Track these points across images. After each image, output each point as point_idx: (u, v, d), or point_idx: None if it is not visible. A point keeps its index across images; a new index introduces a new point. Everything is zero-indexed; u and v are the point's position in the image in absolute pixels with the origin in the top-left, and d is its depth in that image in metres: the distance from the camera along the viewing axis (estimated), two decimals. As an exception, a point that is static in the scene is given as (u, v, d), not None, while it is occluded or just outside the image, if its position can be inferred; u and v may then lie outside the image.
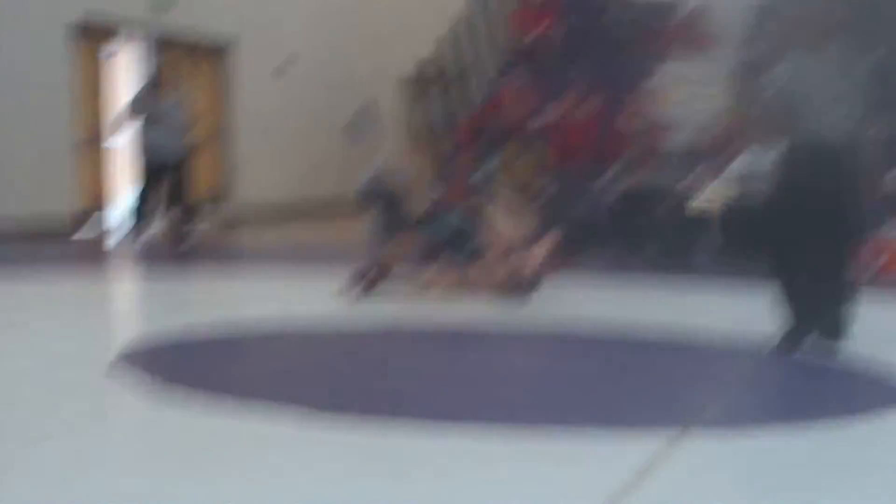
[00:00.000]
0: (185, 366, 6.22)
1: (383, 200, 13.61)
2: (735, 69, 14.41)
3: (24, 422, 4.86)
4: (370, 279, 8.66)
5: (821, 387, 6.03)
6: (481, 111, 14.78)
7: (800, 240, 6.73)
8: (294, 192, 16.94)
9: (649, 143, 13.10)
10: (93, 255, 12.43)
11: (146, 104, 12.24)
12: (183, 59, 15.28)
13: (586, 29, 15.93)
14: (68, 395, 5.35)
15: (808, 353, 6.70)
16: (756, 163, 10.73)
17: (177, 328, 7.13)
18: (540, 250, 8.67)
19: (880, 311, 8.20)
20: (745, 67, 14.14)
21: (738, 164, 11.49)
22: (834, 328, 6.73)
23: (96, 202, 13.91)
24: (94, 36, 13.89)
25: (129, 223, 12.37)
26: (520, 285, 8.54)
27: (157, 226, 12.91)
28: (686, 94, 14.52)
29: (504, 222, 8.85)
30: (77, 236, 13.20)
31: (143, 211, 12.32)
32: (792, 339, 6.76)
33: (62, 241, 12.78)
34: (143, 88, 12.60)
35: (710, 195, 11.62)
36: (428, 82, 15.53)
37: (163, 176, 12.23)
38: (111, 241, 13.09)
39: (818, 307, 6.75)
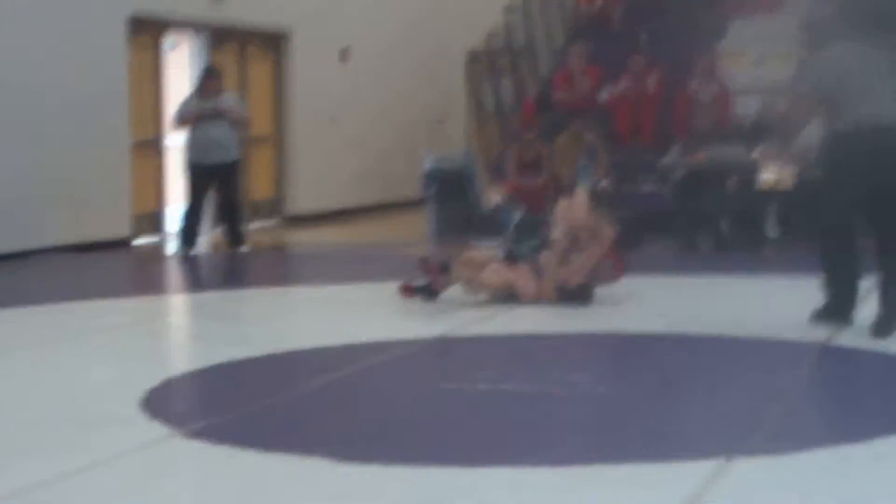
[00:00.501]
0: (229, 395, 6.08)
1: (447, 186, 13.41)
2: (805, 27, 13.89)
3: (53, 452, 4.78)
4: (432, 287, 8.40)
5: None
6: (547, 86, 14.47)
7: (847, 223, 6.82)
8: (355, 195, 16.68)
9: (719, 111, 12.71)
10: (150, 264, 12.39)
11: (199, 103, 12.14)
12: (239, 53, 15.10)
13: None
14: (100, 427, 5.23)
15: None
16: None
17: (228, 351, 6.96)
18: (590, 258, 8.33)
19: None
20: (814, 29, 13.62)
21: (807, 135, 11.05)
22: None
23: (155, 205, 13.78)
24: (151, 30, 13.74)
25: (185, 227, 12.30)
26: (570, 294, 8.24)
27: (211, 230, 12.82)
28: (758, 55, 14.06)
29: (575, 213, 8.44)
30: (136, 242, 13.13)
31: (195, 215, 12.25)
32: (829, 319, 6.92)
33: (120, 248, 12.72)
34: (196, 86, 12.49)
35: (781, 168, 11.22)
36: (495, 56, 15.21)
37: (216, 177, 12.12)
38: (169, 248, 13.02)
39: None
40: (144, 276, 11.66)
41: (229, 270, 12.06)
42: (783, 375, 6.28)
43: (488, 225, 11.43)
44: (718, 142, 12.09)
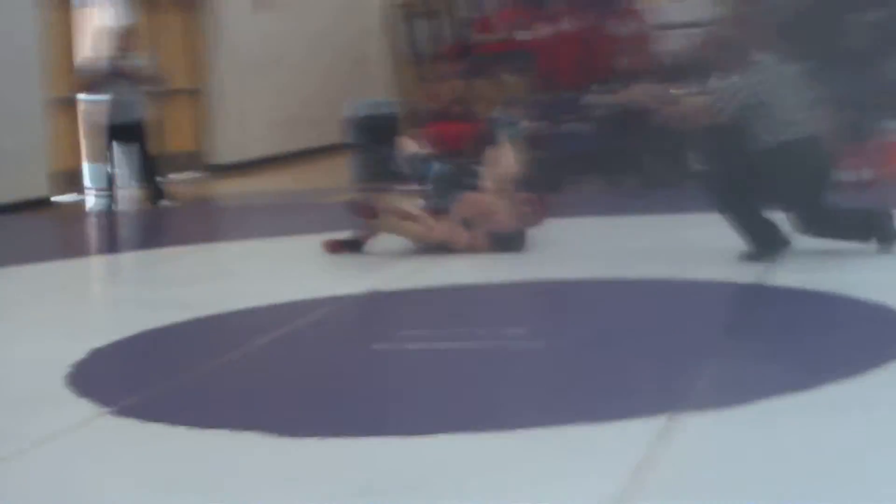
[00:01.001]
0: (158, 366, 5.96)
1: (369, 132, 13.25)
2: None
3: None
4: (355, 240, 8.31)
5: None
6: (465, 29, 14.32)
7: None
8: (281, 143, 16.48)
9: (639, 49, 12.66)
10: (69, 224, 12.16)
11: (108, 62, 11.98)
12: (155, 7, 14.84)
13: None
14: (25, 408, 5.09)
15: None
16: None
17: (154, 317, 6.80)
18: (518, 204, 8.29)
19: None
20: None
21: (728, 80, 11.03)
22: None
23: (73, 162, 13.54)
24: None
25: (102, 184, 12.23)
26: (504, 241, 8.18)
27: (130, 186, 12.65)
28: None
29: (503, 163, 8.40)
30: (55, 200, 12.89)
31: (106, 172, 12.21)
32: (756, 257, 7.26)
33: (39, 208, 12.47)
34: (108, 45, 12.28)
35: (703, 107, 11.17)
36: (414, 5, 15.04)
37: (123, 136, 12.02)
38: (88, 205, 12.84)
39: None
40: (64, 237, 11.45)
41: (151, 228, 11.89)
42: (719, 319, 6.29)
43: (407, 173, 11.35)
44: (639, 79, 12.05)
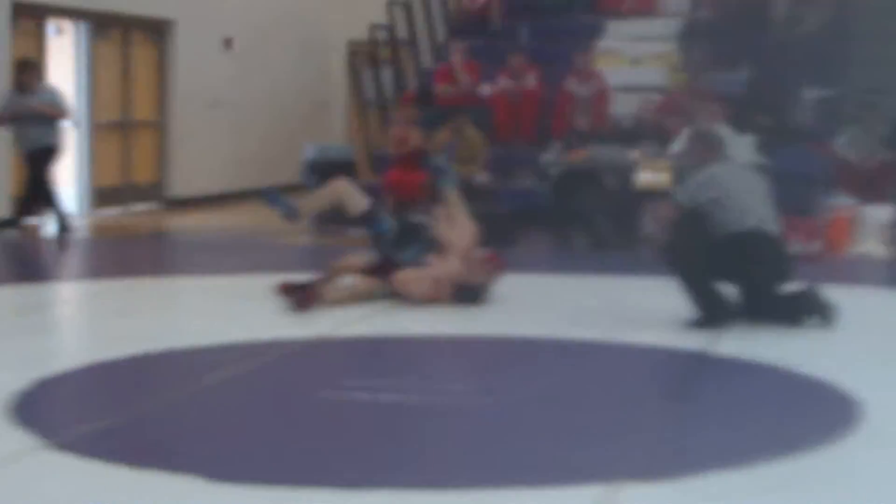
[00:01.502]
0: (101, 400, 5.93)
1: (326, 176, 13.25)
2: (682, 33, 14.10)
3: None
4: (309, 294, 8.19)
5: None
6: (427, 80, 14.42)
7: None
8: (235, 179, 16.53)
9: (596, 110, 12.80)
10: (21, 247, 12.09)
11: (15, 98, 12.06)
12: (123, 40, 14.89)
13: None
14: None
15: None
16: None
17: (101, 350, 6.78)
18: (479, 259, 8.36)
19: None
20: (691, 33, 13.85)
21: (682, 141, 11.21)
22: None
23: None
24: (33, 16, 13.47)
25: (15, 213, 12.39)
26: (467, 293, 8.22)
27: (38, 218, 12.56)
28: (636, 54, 14.19)
29: (453, 227, 8.47)
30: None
31: (26, 200, 12.27)
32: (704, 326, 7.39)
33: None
34: (12, 80, 12.23)
35: (658, 170, 11.33)
36: (376, 48, 15.10)
37: (32, 164, 12.12)
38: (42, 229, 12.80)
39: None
40: (14, 261, 11.39)
41: (103, 256, 11.83)
42: (661, 386, 6.36)
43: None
44: (596, 141, 12.20)
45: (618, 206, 11.47)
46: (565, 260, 11.06)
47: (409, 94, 14.41)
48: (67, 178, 13.85)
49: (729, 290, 7.56)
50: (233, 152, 16.35)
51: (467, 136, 12.55)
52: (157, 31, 15.39)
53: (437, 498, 4.40)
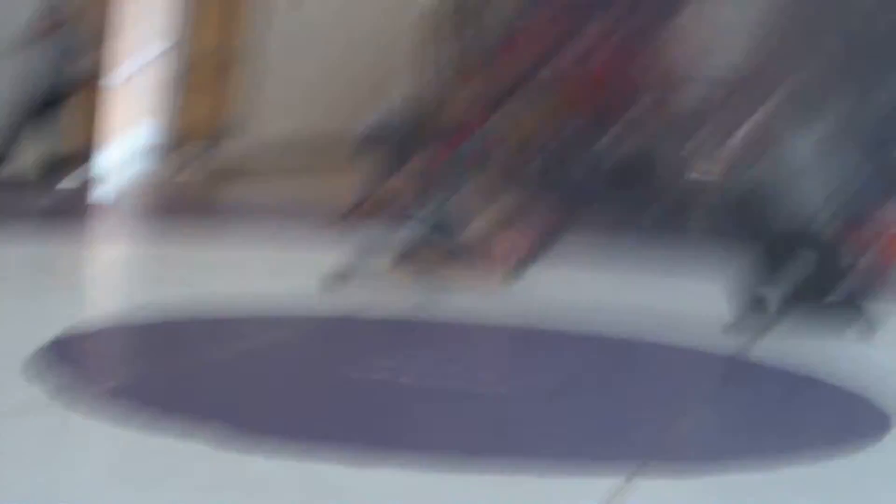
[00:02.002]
0: (116, 363, 5.91)
1: (390, 146, 13.11)
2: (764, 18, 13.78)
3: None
4: (361, 210, 8.12)
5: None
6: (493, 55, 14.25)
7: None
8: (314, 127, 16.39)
9: (661, 96, 12.58)
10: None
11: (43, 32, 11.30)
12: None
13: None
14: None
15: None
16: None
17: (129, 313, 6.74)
18: (524, 237, 8.25)
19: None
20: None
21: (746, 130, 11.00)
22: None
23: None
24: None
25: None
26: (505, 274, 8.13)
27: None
28: (711, 39, 13.91)
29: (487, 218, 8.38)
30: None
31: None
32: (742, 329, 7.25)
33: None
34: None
35: (716, 163, 11.15)
36: (444, 19, 14.95)
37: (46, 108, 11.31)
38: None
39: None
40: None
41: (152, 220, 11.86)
42: (692, 386, 6.26)
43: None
44: (654, 131, 12.01)
45: (671, 200, 11.29)
46: (614, 251, 10.87)
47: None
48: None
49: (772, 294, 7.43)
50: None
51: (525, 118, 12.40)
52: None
53: (449, 479, 4.32)
